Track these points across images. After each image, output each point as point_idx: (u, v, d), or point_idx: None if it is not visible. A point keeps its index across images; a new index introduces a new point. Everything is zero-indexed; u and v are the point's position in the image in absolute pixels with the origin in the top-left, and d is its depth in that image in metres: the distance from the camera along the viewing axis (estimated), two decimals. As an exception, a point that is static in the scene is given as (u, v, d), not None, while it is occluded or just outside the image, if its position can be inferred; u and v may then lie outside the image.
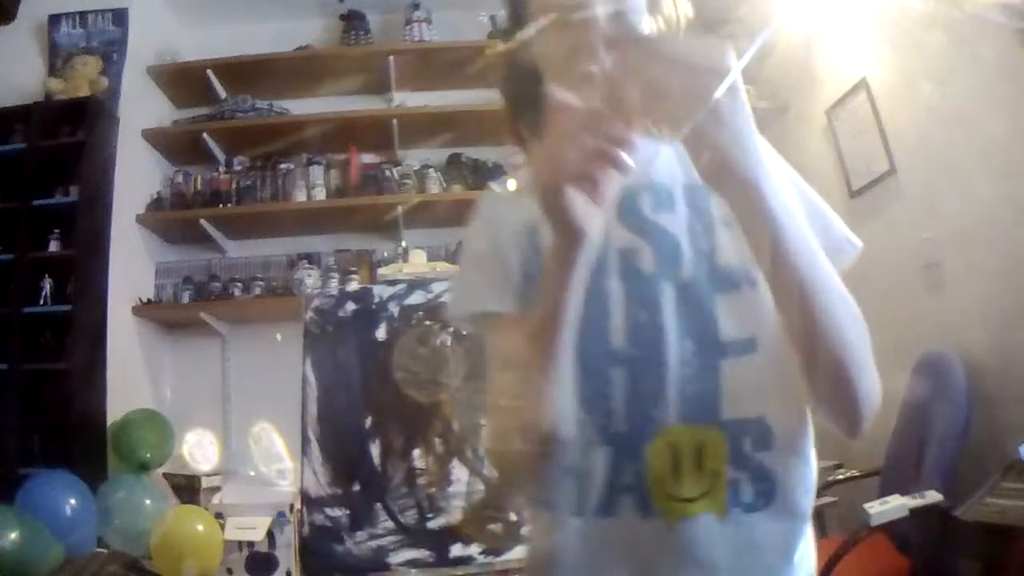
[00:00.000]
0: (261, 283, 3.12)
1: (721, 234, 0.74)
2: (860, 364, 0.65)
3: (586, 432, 0.71)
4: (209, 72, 3.18)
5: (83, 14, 3.05)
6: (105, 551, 2.13)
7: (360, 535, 1.56)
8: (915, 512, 1.84)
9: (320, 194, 3.17)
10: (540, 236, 0.72)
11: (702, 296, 0.72)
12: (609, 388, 0.71)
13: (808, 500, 0.72)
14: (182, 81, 3.25)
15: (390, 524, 1.57)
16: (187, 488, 2.65)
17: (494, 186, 0.87)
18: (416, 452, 1.63)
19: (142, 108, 3.10)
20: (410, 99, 3.37)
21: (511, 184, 0.85)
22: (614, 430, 0.71)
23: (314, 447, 1.64)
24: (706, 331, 0.71)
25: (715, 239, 0.74)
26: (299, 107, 3.35)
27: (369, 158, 3.38)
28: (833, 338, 0.64)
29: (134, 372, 2.94)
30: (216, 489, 2.56)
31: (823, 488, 2.55)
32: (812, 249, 0.63)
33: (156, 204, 3.13)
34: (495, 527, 1.55)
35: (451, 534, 1.55)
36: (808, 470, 0.72)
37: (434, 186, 3.19)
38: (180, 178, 3.23)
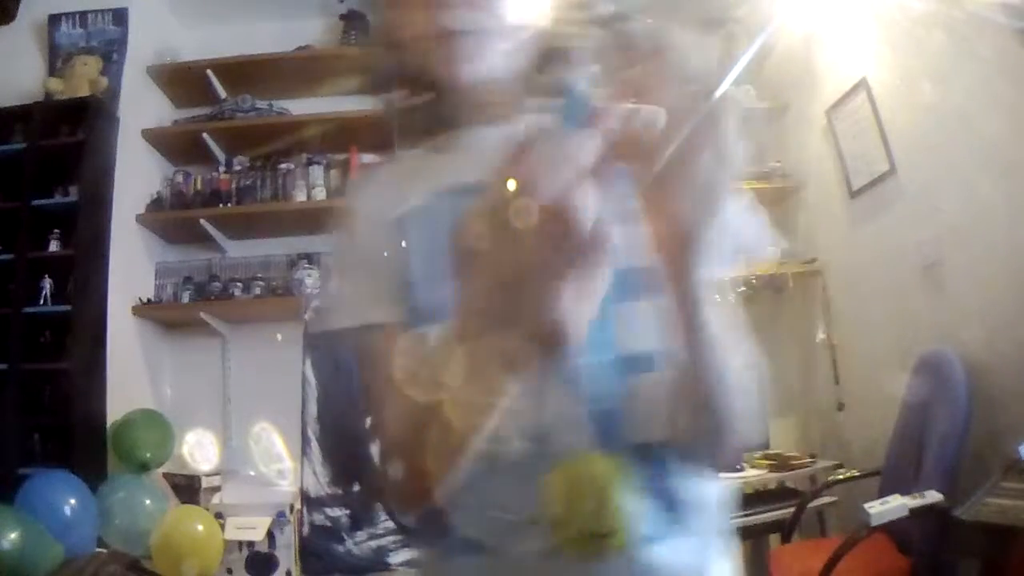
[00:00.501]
0: (261, 283, 3.12)
1: (626, 233, 0.64)
2: (734, 411, 0.62)
3: (482, 457, 0.63)
4: (209, 72, 3.17)
5: (83, 14, 3.05)
6: (105, 551, 2.13)
7: (360, 535, 1.56)
8: (915, 512, 1.84)
9: (320, 194, 3.17)
10: (412, 230, 0.67)
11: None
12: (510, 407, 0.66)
13: (722, 519, 0.69)
14: (182, 81, 3.25)
15: (390, 524, 1.57)
16: (187, 488, 2.65)
17: (361, 177, 0.80)
18: (416, 452, 1.63)
19: (142, 108, 3.10)
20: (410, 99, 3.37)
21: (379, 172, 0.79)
22: (513, 454, 0.63)
23: (314, 447, 1.65)
24: (604, 343, 0.62)
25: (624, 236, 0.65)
26: (299, 107, 3.35)
27: (369, 158, 3.38)
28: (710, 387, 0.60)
29: (134, 372, 2.94)
30: (216, 489, 2.56)
31: (823, 488, 2.55)
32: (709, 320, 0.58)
33: (156, 204, 3.13)
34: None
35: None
36: (719, 490, 0.69)
37: (434, 186, 3.19)
38: (180, 178, 3.22)
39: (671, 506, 0.64)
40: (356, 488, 1.61)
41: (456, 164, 0.66)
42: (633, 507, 0.62)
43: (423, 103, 0.72)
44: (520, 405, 0.59)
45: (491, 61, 0.65)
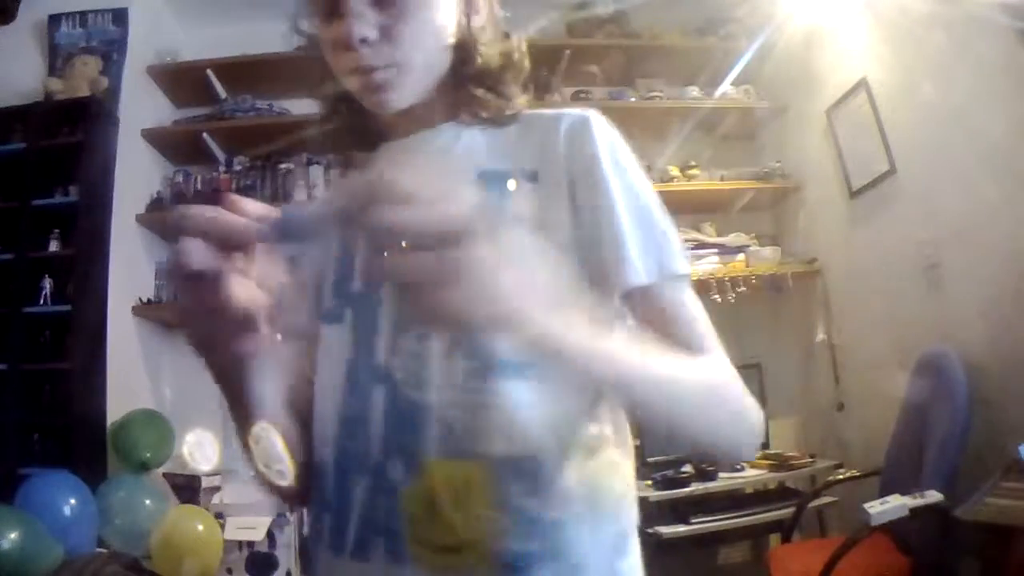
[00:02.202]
0: (261, 283, 3.11)
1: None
2: (708, 435, 0.63)
3: (345, 459, 0.64)
4: (209, 72, 3.17)
5: (83, 14, 3.05)
6: (105, 551, 2.12)
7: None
8: (915, 512, 1.84)
9: (320, 194, 3.17)
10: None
11: None
12: (368, 409, 0.62)
13: (605, 558, 0.62)
14: (182, 81, 3.25)
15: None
16: (187, 488, 2.65)
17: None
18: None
19: (142, 108, 3.10)
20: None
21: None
22: (371, 460, 0.61)
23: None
24: (476, 347, 0.60)
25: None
26: (299, 107, 3.35)
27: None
28: (675, 427, 0.61)
29: (134, 372, 2.93)
30: (216, 489, 2.55)
31: (823, 488, 2.55)
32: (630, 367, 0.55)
33: (156, 204, 3.12)
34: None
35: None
36: (604, 522, 0.62)
37: (434, 186, 3.19)
38: (180, 178, 3.22)
39: (539, 534, 0.58)
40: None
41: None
42: (496, 526, 0.58)
43: (349, 119, 0.81)
44: (379, 401, 0.61)
45: (406, 89, 0.69)
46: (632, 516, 0.67)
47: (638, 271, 0.63)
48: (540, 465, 0.59)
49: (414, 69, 0.68)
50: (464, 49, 0.71)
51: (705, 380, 0.61)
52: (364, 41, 0.65)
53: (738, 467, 2.68)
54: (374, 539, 0.61)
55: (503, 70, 0.72)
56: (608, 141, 0.68)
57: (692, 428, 0.61)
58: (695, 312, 0.66)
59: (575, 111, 0.69)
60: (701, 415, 0.60)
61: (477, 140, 0.72)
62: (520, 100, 0.73)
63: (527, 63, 0.75)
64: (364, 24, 0.65)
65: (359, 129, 0.79)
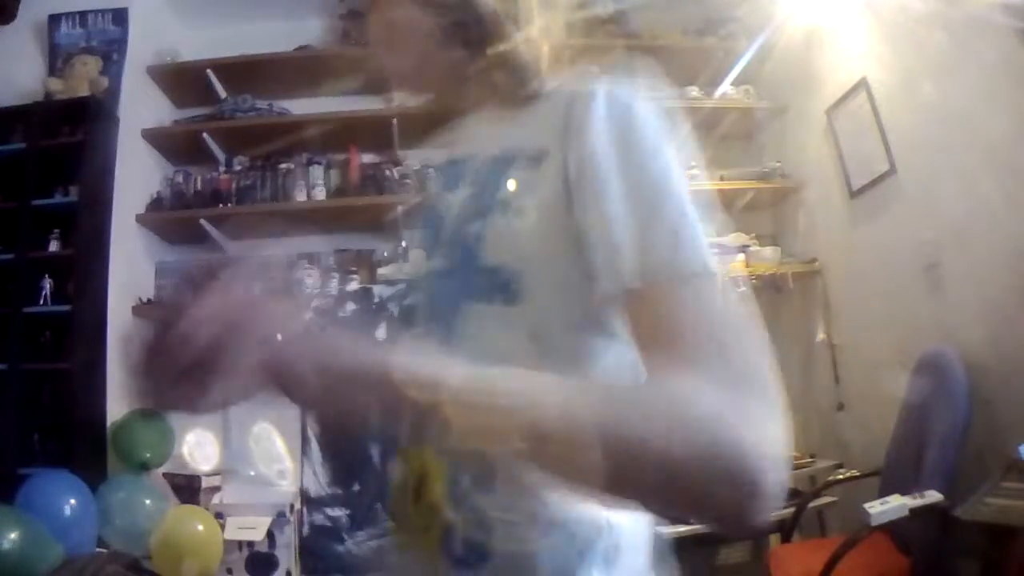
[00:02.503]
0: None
1: (495, 223, 0.61)
2: (700, 486, 0.45)
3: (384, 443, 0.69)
4: (209, 72, 3.17)
5: (83, 14, 3.05)
6: (105, 551, 2.12)
7: (360, 535, 1.56)
8: (915, 512, 1.84)
9: (320, 194, 3.17)
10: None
11: (444, 299, 0.64)
12: None
13: (561, 566, 0.57)
14: (182, 81, 3.25)
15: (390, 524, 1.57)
16: (187, 488, 2.65)
17: None
18: (416, 452, 1.63)
19: (142, 108, 3.10)
20: (410, 99, 3.37)
21: None
22: (390, 444, 0.67)
23: (314, 447, 1.64)
24: (447, 335, 0.61)
25: (483, 229, 0.61)
26: (299, 107, 3.35)
27: (369, 158, 3.38)
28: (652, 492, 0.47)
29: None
30: (216, 489, 2.55)
31: (823, 488, 2.55)
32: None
33: (156, 204, 3.12)
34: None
35: (451, 534, 1.55)
36: (563, 532, 0.57)
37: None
38: (180, 178, 3.22)
39: (481, 532, 0.57)
40: (356, 488, 1.61)
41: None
42: (446, 518, 0.58)
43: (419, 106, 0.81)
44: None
45: (406, 86, 0.76)
46: (630, 535, 0.60)
47: (622, 273, 0.53)
48: (485, 460, 0.55)
49: (401, 70, 0.74)
50: (473, 38, 0.70)
51: (616, 421, 0.45)
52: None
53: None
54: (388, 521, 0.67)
55: (519, 53, 0.69)
56: (614, 116, 0.59)
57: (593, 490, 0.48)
58: (700, 318, 0.50)
59: (586, 85, 0.62)
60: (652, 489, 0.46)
61: (500, 123, 0.70)
62: (547, 78, 0.68)
63: (560, 38, 0.72)
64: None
65: (427, 118, 0.83)
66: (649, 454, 0.43)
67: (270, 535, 2.00)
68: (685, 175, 0.59)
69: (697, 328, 0.50)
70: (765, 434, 0.45)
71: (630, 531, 0.61)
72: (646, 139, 0.59)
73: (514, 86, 0.69)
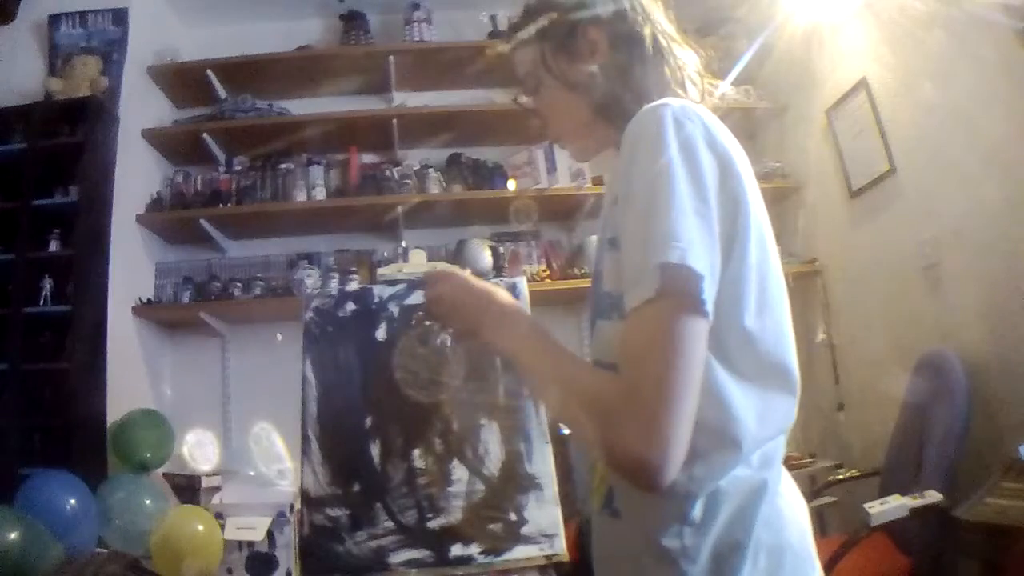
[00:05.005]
0: (261, 283, 3.11)
1: (607, 257, 0.79)
2: (580, 433, 0.73)
3: None
4: (209, 72, 3.18)
5: (83, 14, 3.05)
6: (105, 551, 2.12)
7: (360, 535, 1.56)
8: (915, 512, 1.84)
9: (320, 194, 3.17)
10: None
11: (591, 319, 0.85)
12: None
13: (665, 534, 0.71)
14: (182, 81, 3.25)
15: (390, 524, 1.57)
16: (187, 488, 2.65)
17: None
18: (416, 452, 1.63)
19: (142, 108, 3.10)
20: (410, 99, 3.37)
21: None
22: None
23: (314, 447, 1.64)
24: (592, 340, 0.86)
25: (602, 263, 0.81)
26: (299, 107, 3.35)
27: (369, 158, 3.38)
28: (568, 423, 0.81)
29: (134, 372, 2.94)
30: (216, 489, 2.55)
31: (823, 488, 2.55)
32: (545, 378, 0.79)
33: (156, 204, 3.13)
34: (495, 527, 1.55)
35: (451, 534, 1.55)
36: (655, 502, 0.71)
37: (434, 186, 3.19)
38: (180, 178, 3.23)
39: (615, 494, 0.79)
40: (356, 488, 1.61)
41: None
42: (608, 482, 0.81)
43: None
44: None
45: (574, 148, 0.96)
46: (755, 531, 0.71)
47: (627, 300, 0.68)
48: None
49: (560, 136, 0.94)
50: (593, 100, 0.87)
51: (574, 385, 0.73)
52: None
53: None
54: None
55: (616, 100, 0.84)
56: (633, 138, 0.73)
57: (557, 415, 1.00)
58: (631, 342, 0.66)
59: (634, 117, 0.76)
60: (563, 408, 0.76)
61: (612, 170, 0.85)
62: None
63: (663, 68, 0.86)
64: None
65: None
66: (570, 394, 0.72)
67: (270, 535, 1.99)
68: (687, 181, 0.68)
69: (625, 349, 0.67)
70: (616, 417, 0.65)
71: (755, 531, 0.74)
72: (645, 154, 0.71)
73: (614, 132, 0.82)
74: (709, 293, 0.65)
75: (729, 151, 0.73)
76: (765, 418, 0.74)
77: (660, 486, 0.62)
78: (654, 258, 0.64)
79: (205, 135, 3.15)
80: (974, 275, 2.26)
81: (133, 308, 2.95)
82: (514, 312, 0.85)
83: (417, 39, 3.32)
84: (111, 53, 3.00)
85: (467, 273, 0.92)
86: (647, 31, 0.86)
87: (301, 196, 3.14)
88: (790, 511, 0.75)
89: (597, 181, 3.15)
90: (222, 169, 3.26)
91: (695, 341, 0.64)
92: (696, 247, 0.64)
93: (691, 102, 0.79)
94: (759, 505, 0.72)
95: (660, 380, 0.62)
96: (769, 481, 0.73)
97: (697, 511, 0.70)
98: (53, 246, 2.64)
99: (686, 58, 0.90)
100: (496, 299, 0.85)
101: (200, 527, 2.14)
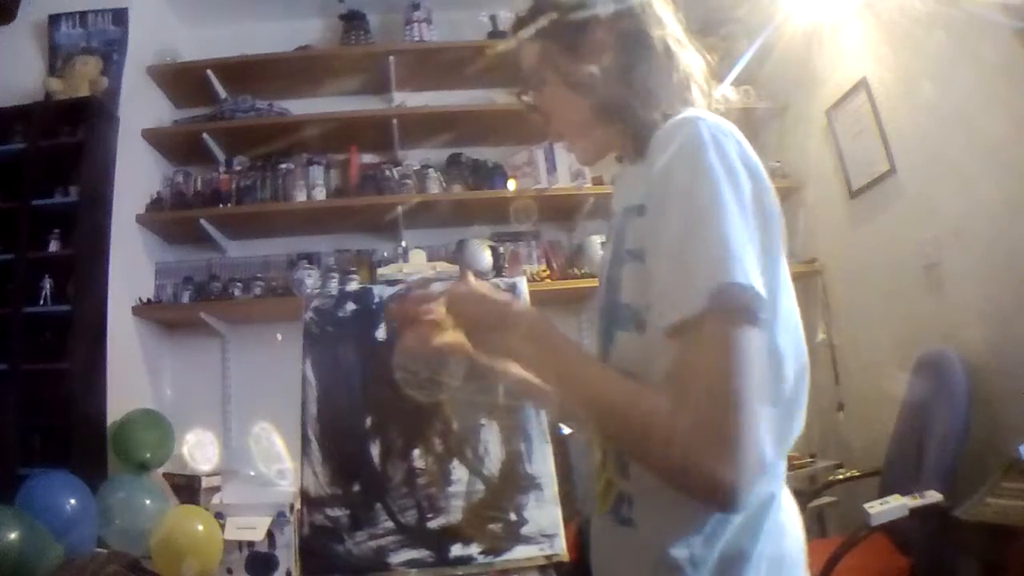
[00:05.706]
0: (261, 283, 3.11)
1: (627, 268, 0.78)
2: (642, 458, 0.72)
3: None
4: (209, 72, 3.18)
5: (83, 14, 3.05)
6: (105, 551, 2.12)
7: (360, 535, 1.56)
8: (915, 512, 1.84)
9: (320, 194, 3.17)
10: None
11: (605, 328, 0.82)
12: None
13: (674, 544, 0.71)
14: (182, 81, 3.25)
15: (390, 524, 1.57)
16: (187, 488, 2.65)
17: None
18: (416, 452, 1.63)
19: (142, 108, 3.10)
20: (410, 99, 3.37)
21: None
22: None
23: (314, 447, 1.64)
24: (605, 352, 0.82)
25: (620, 273, 0.79)
26: (299, 107, 3.35)
27: (369, 158, 3.38)
28: (613, 441, 0.79)
29: (134, 372, 2.94)
30: (216, 489, 2.55)
31: (823, 488, 2.55)
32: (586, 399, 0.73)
33: (156, 204, 3.12)
34: (495, 527, 1.55)
35: (451, 534, 1.55)
36: (676, 515, 0.71)
37: (434, 186, 3.19)
38: (180, 178, 3.23)
39: (626, 501, 0.79)
40: (356, 488, 1.61)
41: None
42: (614, 488, 0.80)
43: None
44: None
45: (577, 149, 0.93)
46: (760, 541, 0.71)
47: (657, 316, 0.69)
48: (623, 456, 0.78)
49: (561, 135, 0.92)
50: (594, 100, 0.85)
51: (625, 409, 0.69)
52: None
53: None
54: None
55: (619, 102, 0.83)
56: (666, 150, 0.72)
57: (598, 434, 0.83)
58: (682, 363, 0.65)
59: (663, 130, 0.76)
60: (606, 428, 0.74)
61: (626, 179, 0.88)
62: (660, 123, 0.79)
63: (675, 76, 0.84)
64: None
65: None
66: (619, 417, 0.69)
67: (270, 535, 1.99)
68: (734, 200, 0.68)
69: (684, 369, 0.65)
70: (688, 442, 0.62)
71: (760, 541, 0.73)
72: (688, 168, 0.70)
73: (633, 148, 0.84)
74: (768, 311, 0.66)
75: (758, 165, 0.73)
76: (782, 439, 0.75)
77: (742, 505, 0.62)
78: (710, 278, 0.64)
79: (205, 135, 3.15)
80: (974, 275, 2.26)
81: (133, 308, 2.95)
82: (540, 320, 0.77)
83: (417, 39, 3.32)
84: (111, 53, 3.00)
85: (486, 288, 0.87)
86: (656, 34, 0.85)
87: (301, 196, 3.14)
88: (789, 521, 0.76)
89: (597, 181, 3.15)
90: (222, 169, 3.26)
91: (758, 358, 0.65)
92: (752, 265, 0.65)
93: (719, 116, 0.78)
94: (766, 516, 0.73)
95: (732, 401, 0.61)
96: (776, 493, 0.74)
97: (711, 523, 0.71)
98: (53, 246, 2.64)
99: (694, 63, 0.88)
100: (518, 307, 0.80)
101: (200, 527, 2.14)
